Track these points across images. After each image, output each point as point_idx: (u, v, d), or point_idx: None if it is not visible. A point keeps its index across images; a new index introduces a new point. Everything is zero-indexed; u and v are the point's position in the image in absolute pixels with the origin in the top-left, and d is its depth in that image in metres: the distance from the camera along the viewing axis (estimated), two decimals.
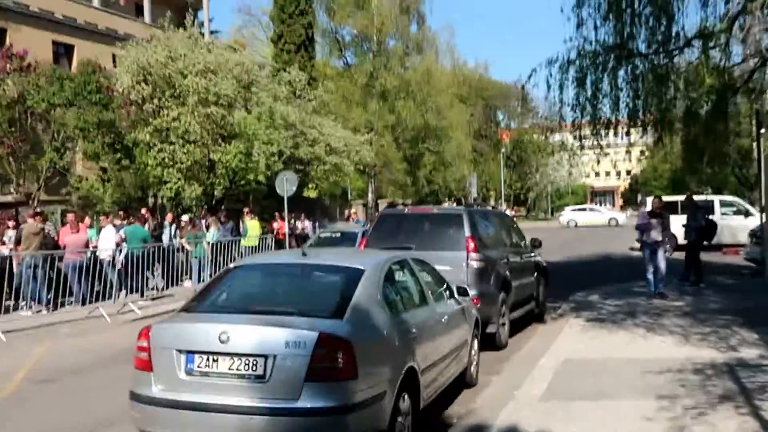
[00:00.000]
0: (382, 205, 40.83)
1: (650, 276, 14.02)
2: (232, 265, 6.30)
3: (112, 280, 15.47)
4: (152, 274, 17.26)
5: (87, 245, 15.37)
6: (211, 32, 44.46)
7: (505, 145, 79.44)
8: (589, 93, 14.83)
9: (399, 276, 6.34)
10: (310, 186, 42.16)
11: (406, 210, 11.73)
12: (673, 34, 14.45)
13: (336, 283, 5.62)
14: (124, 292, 15.34)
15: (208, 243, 17.94)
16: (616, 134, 14.58)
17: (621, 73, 14.95)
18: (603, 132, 14.35)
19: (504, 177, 74.40)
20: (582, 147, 16.21)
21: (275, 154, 22.36)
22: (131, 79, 20.55)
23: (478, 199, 42.14)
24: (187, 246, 17.78)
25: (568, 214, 58.19)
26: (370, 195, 47.59)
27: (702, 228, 16.32)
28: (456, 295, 7.37)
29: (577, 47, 15.19)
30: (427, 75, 40.03)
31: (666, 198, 18.38)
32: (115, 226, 16.85)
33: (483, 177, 75.86)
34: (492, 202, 77.18)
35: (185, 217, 19.36)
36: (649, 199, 17.64)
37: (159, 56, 20.97)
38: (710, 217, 18.54)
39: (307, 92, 26.32)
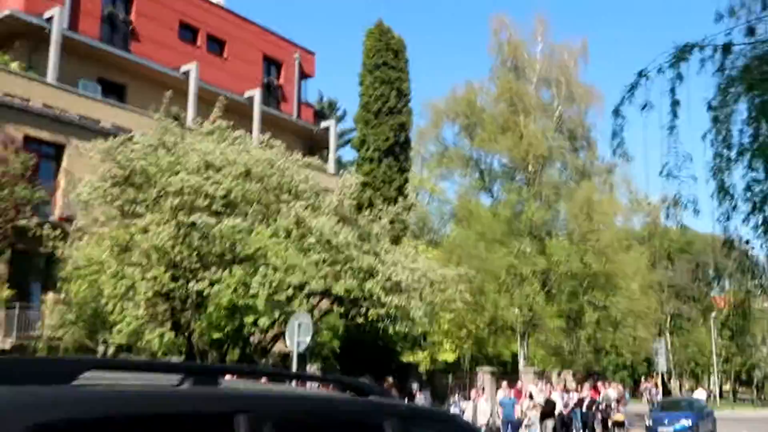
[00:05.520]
0: (527, 376, 31.01)
1: None
2: None
3: None
4: None
5: None
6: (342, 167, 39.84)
7: (719, 310, 64.91)
8: None
9: None
10: (446, 347, 33.71)
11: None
12: None
13: None
14: None
15: None
16: None
17: None
18: None
19: (717, 349, 59.76)
20: None
21: (294, 287, 14.88)
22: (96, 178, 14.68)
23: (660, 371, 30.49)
24: None
25: None
26: (521, 361, 38.05)
27: None
28: None
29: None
30: (587, 206, 30.93)
31: None
32: None
33: (689, 347, 62.33)
34: (704, 383, 62.25)
35: None
36: None
37: (138, 146, 15.08)
38: None
39: (382, 210, 19.01)
